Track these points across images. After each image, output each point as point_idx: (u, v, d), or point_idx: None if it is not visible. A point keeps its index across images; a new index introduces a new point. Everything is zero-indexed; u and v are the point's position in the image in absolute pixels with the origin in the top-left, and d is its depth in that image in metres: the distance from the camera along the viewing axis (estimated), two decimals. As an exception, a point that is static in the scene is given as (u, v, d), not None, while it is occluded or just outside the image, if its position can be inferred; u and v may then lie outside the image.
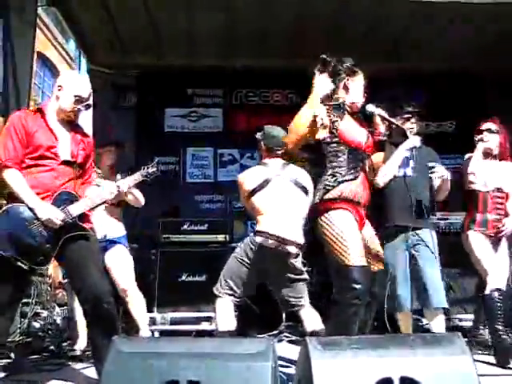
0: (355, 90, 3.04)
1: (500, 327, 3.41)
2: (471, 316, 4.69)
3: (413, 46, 5.67)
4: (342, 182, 2.85)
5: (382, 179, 3.41)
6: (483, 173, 3.73)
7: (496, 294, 3.45)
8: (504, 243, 3.74)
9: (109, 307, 2.74)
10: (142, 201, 3.98)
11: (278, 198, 3.39)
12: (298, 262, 3.37)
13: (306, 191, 3.48)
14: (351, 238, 2.78)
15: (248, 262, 3.32)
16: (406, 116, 3.54)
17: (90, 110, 3.20)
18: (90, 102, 2.99)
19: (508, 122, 6.03)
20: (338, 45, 5.54)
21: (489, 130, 3.80)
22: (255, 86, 6.25)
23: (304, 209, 3.43)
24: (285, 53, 5.78)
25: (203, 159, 6.23)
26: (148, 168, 3.11)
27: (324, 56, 2.99)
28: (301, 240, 3.34)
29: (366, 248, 2.89)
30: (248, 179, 3.48)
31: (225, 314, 3.28)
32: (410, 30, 5.39)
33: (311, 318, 3.36)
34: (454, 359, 1.66)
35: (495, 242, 3.70)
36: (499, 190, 3.72)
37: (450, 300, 4.66)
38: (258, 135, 3.63)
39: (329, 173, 2.90)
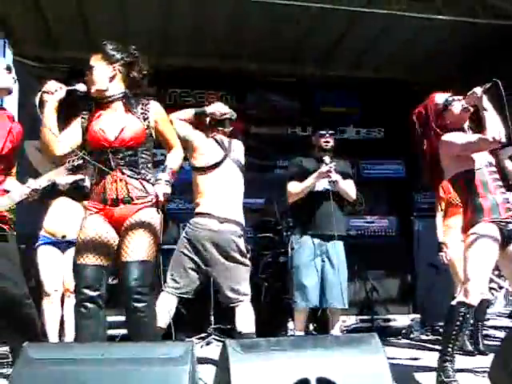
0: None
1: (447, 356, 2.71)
2: (394, 316, 4.89)
3: (345, 55, 5.83)
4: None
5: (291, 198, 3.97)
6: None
7: (462, 308, 2.70)
8: None
9: (26, 310, 2.64)
10: None
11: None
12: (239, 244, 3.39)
13: None
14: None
15: (188, 249, 3.33)
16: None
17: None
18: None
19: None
20: (272, 48, 5.62)
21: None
22: (190, 87, 6.15)
23: None
24: (220, 53, 5.75)
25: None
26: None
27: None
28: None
29: None
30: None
31: (162, 309, 3.12)
32: (343, 39, 5.53)
33: (244, 319, 3.31)
34: (368, 359, 1.70)
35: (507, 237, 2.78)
36: (491, 164, 2.92)
37: (375, 300, 4.87)
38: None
39: None
